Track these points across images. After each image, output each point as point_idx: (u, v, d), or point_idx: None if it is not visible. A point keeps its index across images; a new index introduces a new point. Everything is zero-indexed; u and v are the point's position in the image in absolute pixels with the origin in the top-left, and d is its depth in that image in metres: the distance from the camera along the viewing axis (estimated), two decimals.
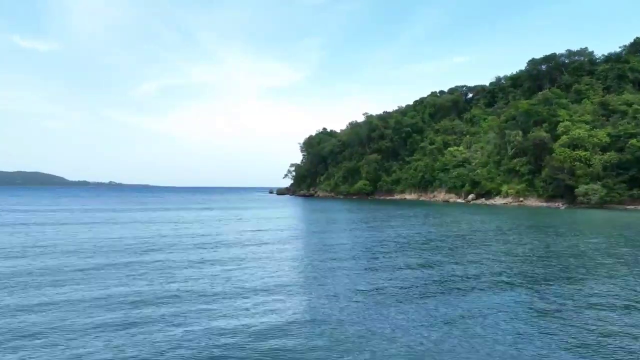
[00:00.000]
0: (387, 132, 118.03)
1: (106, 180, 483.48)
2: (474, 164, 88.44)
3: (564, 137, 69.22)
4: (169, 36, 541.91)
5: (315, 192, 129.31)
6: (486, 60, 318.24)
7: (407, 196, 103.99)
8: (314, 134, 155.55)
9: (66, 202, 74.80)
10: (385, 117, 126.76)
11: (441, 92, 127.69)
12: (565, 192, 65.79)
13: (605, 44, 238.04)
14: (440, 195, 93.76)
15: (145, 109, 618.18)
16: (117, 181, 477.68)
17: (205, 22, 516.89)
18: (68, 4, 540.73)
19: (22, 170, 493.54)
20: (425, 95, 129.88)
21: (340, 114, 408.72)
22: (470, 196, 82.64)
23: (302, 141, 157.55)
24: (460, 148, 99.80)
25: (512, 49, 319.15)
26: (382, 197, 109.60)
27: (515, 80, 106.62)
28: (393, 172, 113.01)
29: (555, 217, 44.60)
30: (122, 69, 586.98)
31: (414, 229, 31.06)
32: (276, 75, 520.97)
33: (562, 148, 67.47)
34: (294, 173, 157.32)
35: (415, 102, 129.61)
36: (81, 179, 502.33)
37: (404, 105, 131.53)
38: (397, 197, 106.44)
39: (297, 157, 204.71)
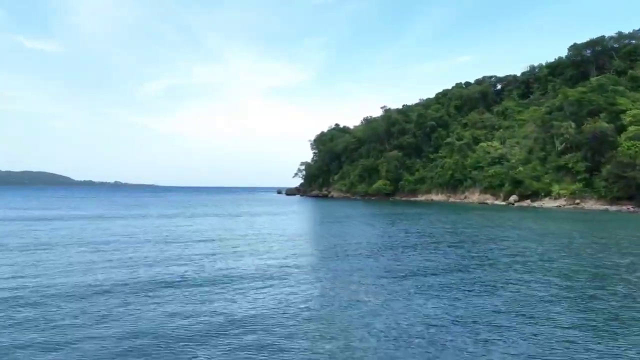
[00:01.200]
0: (408, 126, 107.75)
1: (111, 180, 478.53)
2: (513, 161, 77.80)
3: (631, 128, 58.60)
4: (173, 36, 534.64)
5: (329, 192, 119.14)
6: (491, 59, 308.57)
7: (434, 197, 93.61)
8: (325, 130, 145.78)
9: (51, 204, 65.30)
10: (405, 110, 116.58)
11: (467, 83, 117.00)
12: (638, 193, 55.19)
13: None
14: (474, 196, 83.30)
15: (150, 109, 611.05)
16: (123, 181, 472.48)
17: (209, 23, 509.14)
18: (73, 5, 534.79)
19: (29, 170, 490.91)
20: (449, 88, 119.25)
21: (345, 113, 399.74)
22: (512, 197, 72.09)
23: (312, 138, 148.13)
24: (495, 143, 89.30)
25: (516, 48, 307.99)
26: (404, 198, 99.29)
27: (553, 69, 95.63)
28: (416, 171, 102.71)
29: None
30: (127, 69, 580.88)
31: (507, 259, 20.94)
32: (280, 75, 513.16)
33: (633, 141, 56.83)
34: (304, 172, 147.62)
35: (438, 94, 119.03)
36: (87, 178, 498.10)
37: (424, 99, 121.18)
38: (422, 198, 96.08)
39: (304, 157, 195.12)
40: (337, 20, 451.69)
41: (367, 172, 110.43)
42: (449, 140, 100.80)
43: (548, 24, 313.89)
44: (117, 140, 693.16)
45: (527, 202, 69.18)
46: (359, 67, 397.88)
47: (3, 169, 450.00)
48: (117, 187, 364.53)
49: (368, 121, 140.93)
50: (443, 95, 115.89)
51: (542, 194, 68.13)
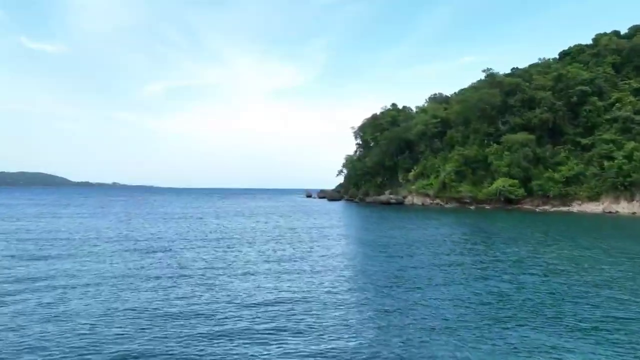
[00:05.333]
0: (541, 95, 68.92)
1: (109, 181, 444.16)
2: None
3: None
4: (174, 37, 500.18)
5: (405, 197, 79.99)
6: (494, 59, 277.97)
7: (617, 207, 54.74)
8: (378, 113, 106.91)
9: None
10: (519, 74, 77.69)
11: (615, 32, 77.88)
12: None
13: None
14: None
15: (150, 110, 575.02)
16: (122, 182, 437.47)
17: (210, 23, 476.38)
18: (75, 6, 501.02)
19: (25, 170, 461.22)
20: (585, 43, 79.90)
21: (347, 114, 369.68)
22: None
23: (356, 125, 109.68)
24: None
25: (519, 48, 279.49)
26: (553, 209, 60.55)
27: None
28: (561, 165, 64.09)
29: None
30: (129, 70, 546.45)
31: None
32: (282, 76, 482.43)
33: None
34: (346, 170, 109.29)
35: (566, 51, 79.89)
36: (84, 179, 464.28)
37: (542, 58, 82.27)
38: (598, 208, 57.31)
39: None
40: (339, 21, 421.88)
41: (469, 167, 71.85)
42: (617, 113, 62.20)
43: (550, 23, 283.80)
44: (116, 141, 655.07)
45: None
46: (361, 69, 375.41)
47: None
48: (114, 188, 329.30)
49: (436, 98, 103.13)
50: (579, 52, 76.86)
51: None
